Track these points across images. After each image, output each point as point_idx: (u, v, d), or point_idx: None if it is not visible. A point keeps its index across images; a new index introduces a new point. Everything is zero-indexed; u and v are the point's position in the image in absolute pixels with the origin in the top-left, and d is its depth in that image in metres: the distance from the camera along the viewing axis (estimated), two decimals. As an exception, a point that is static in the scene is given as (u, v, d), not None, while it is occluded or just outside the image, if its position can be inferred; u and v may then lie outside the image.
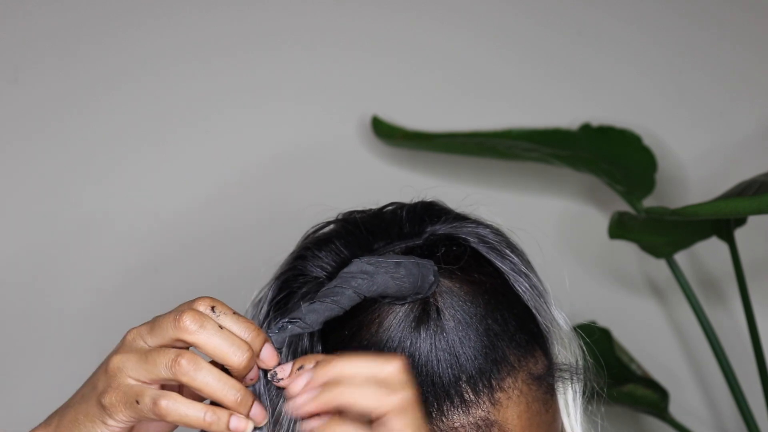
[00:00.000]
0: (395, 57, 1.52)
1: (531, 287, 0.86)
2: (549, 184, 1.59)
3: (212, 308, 0.77)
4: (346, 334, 0.83)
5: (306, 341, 0.83)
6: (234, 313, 0.77)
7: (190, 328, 0.76)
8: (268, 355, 0.77)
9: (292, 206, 1.49)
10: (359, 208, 0.91)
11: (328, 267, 0.86)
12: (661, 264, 1.54)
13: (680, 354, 1.65)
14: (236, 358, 0.75)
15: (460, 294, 0.83)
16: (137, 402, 0.75)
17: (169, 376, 0.75)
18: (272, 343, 0.78)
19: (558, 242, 1.58)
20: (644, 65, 1.62)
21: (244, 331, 0.76)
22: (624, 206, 1.48)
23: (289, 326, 0.79)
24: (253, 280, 1.46)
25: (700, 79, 1.64)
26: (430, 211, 0.89)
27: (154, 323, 0.77)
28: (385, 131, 1.50)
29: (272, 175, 1.48)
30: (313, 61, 1.49)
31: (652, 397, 1.47)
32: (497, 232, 0.88)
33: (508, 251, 0.87)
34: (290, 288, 0.87)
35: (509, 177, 1.58)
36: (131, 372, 0.76)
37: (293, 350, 0.83)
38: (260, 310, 0.88)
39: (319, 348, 0.84)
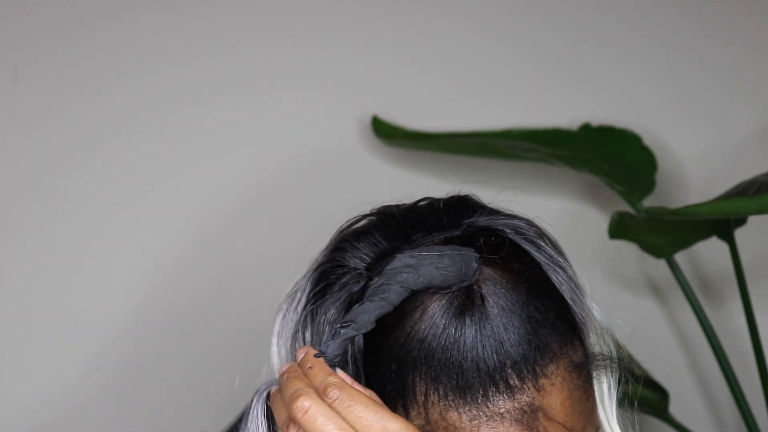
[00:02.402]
0: (395, 57, 1.52)
1: (567, 279, 0.88)
2: (549, 184, 1.59)
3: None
4: (388, 322, 0.83)
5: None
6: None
7: None
8: None
9: (292, 206, 1.49)
10: (393, 203, 0.92)
11: (367, 258, 0.87)
12: (661, 264, 1.54)
13: (680, 354, 1.65)
14: None
15: (502, 282, 0.83)
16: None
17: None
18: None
19: (562, 241, 1.58)
20: (644, 65, 1.62)
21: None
22: (624, 206, 1.48)
23: (342, 330, 0.80)
24: (251, 278, 1.46)
25: (700, 79, 1.64)
26: (465, 204, 0.90)
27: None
28: (385, 131, 1.50)
29: (272, 175, 1.48)
30: (312, 60, 1.49)
31: (652, 397, 1.47)
32: (531, 224, 0.90)
33: (542, 243, 0.88)
34: (328, 279, 0.87)
35: (509, 177, 1.58)
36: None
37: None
38: (297, 303, 0.88)
39: (361, 342, 0.85)
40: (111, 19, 1.41)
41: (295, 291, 0.89)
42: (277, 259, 1.47)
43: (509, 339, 0.82)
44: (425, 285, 0.82)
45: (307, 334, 0.87)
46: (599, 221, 1.59)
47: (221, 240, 1.46)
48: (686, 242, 1.48)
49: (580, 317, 0.87)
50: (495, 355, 0.81)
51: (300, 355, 0.81)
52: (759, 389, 1.46)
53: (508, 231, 0.88)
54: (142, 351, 1.42)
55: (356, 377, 0.85)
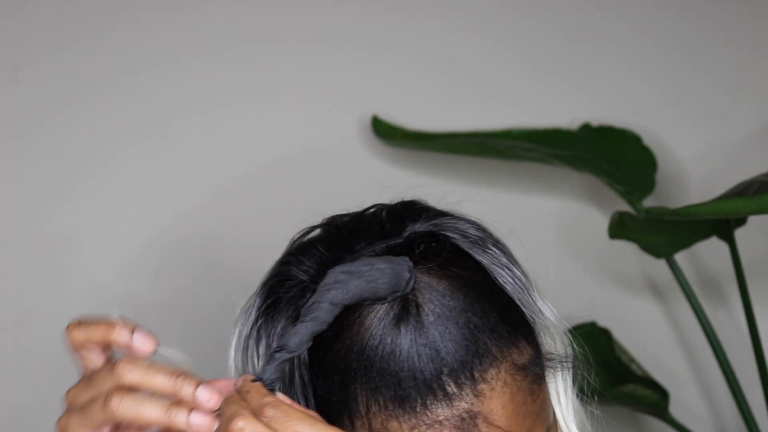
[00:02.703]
0: (395, 57, 1.52)
1: (514, 279, 0.87)
2: (549, 184, 1.59)
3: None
4: (329, 335, 0.83)
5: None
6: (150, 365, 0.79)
7: (126, 377, 0.78)
8: (205, 395, 0.78)
9: (292, 206, 1.48)
10: (343, 212, 0.92)
11: (311, 270, 0.87)
12: (661, 264, 1.54)
13: (680, 354, 1.65)
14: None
15: (438, 289, 0.83)
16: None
17: (106, 416, 0.77)
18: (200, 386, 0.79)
19: (558, 242, 1.58)
20: (644, 65, 1.62)
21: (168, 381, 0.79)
22: (624, 206, 1.48)
23: (276, 355, 0.80)
24: (251, 278, 1.46)
25: (700, 79, 1.64)
26: (410, 210, 0.90)
27: (89, 378, 0.80)
28: (385, 131, 1.50)
29: (271, 175, 1.48)
30: (312, 60, 1.49)
31: (652, 397, 1.47)
32: (478, 227, 0.89)
33: (488, 244, 0.87)
34: (277, 294, 0.88)
35: (509, 177, 1.58)
36: (75, 427, 0.79)
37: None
38: (249, 318, 0.89)
39: (306, 356, 0.85)
40: (111, 19, 1.41)
41: (248, 306, 0.90)
42: (276, 260, 1.47)
43: (446, 347, 0.81)
44: (356, 299, 0.82)
45: (261, 348, 0.88)
46: (599, 221, 1.59)
47: (221, 240, 1.46)
48: (686, 242, 1.48)
49: (530, 317, 0.87)
50: (431, 364, 0.81)
51: (239, 383, 0.81)
52: (759, 389, 1.46)
53: (451, 235, 0.87)
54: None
55: (303, 391, 0.85)
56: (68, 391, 0.81)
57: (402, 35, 1.53)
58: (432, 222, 0.88)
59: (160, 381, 0.79)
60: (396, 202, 0.91)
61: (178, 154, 1.45)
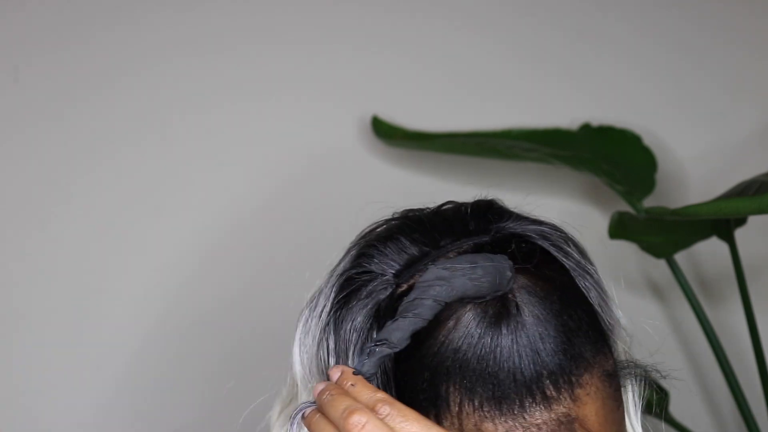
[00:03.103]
0: (395, 57, 1.52)
1: (594, 284, 0.86)
2: (549, 184, 1.59)
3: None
4: (421, 331, 0.82)
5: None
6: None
7: None
8: None
9: (292, 206, 1.49)
10: (420, 206, 0.90)
11: (395, 264, 0.85)
12: (661, 264, 1.54)
13: (680, 354, 1.65)
14: None
15: (536, 290, 0.82)
16: None
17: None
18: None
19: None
20: (644, 65, 1.62)
21: None
22: (624, 206, 1.48)
23: (377, 349, 0.79)
24: (251, 278, 1.46)
25: (700, 79, 1.64)
26: (492, 209, 0.89)
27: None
28: (385, 131, 1.50)
29: (271, 175, 1.48)
30: (312, 60, 1.49)
31: (652, 397, 1.46)
32: (558, 230, 0.88)
33: (569, 248, 0.87)
34: (354, 286, 0.86)
35: (509, 177, 1.58)
36: None
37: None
38: (321, 310, 0.87)
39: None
40: (111, 19, 1.41)
41: (318, 297, 0.87)
42: (277, 259, 1.47)
43: (545, 349, 0.80)
44: (459, 297, 0.81)
45: (331, 342, 0.86)
46: (599, 221, 1.59)
47: (221, 240, 1.46)
48: (686, 242, 1.48)
49: (608, 324, 0.86)
50: (532, 365, 0.80)
51: (335, 374, 0.80)
52: (759, 389, 1.46)
53: (536, 237, 0.86)
54: (142, 351, 1.42)
55: (386, 386, 0.84)
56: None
57: (402, 35, 1.53)
58: (516, 222, 0.87)
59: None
60: (475, 200, 0.90)
61: (179, 154, 1.44)
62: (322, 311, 0.86)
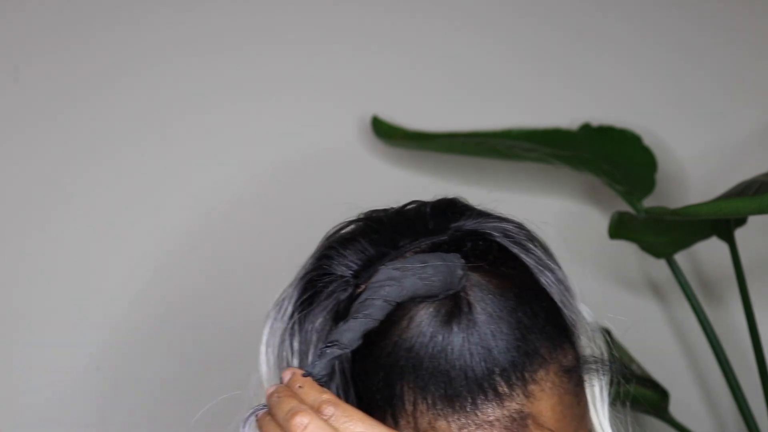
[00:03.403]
0: (395, 57, 1.52)
1: (556, 281, 0.87)
2: (549, 184, 1.59)
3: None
4: (375, 331, 0.82)
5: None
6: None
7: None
8: None
9: (292, 206, 1.49)
10: (380, 208, 0.91)
11: (354, 265, 0.86)
12: (661, 264, 1.54)
13: (680, 354, 1.65)
14: None
15: (489, 288, 0.83)
16: None
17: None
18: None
19: (558, 242, 1.58)
20: (644, 65, 1.62)
21: None
22: (624, 206, 1.48)
23: (328, 350, 0.79)
24: (251, 279, 1.46)
25: (700, 79, 1.64)
26: (453, 208, 0.89)
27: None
28: (385, 131, 1.50)
29: (272, 175, 1.48)
30: (312, 60, 1.49)
31: (652, 397, 1.46)
32: (521, 227, 0.88)
33: (532, 245, 0.87)
34: (315, 287, 0.87)
35: (509, 177, 1.58)
36: None
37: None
38: (284, 312, 0.88)
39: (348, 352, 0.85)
40: (111, 19, 1.41)
41: (283, 299, 0.88)
42: (277, 260, 1.47)
43: (497, 346, 0.81)
44: (409, 296, 0.81)
45: (296, 343, 0.87)
46: (599, 221, 1.59)
47: (221, 240, 1.46)
48: (686, 242, 1.48)
49: (570, 320, 0.86)
50: (483, 363, 0.80)
51: (286, 377, 0.80)
52: (759, 389, 1.46)
53: (496, 234, 0.86)
54: (142, 351, 1.42)
55: (344, 387, 0.85)
56: None
57: (402, 35, 1.53)
58: (476, 220, 0.87)
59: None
60: (437, 199, 0.90)
61: (178, 154, 1.45)
62: (284, 313, 0.88)
